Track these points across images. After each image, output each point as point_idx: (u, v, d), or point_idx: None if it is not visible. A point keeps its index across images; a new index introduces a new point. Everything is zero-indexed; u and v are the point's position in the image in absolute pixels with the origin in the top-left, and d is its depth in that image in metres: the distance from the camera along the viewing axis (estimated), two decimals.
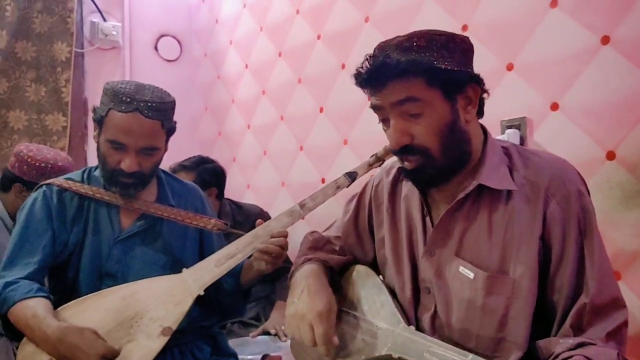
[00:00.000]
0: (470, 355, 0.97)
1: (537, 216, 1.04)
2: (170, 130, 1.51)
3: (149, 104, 1.42)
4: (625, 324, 1.01)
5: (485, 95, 1.12)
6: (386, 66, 1.03)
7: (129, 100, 1.41)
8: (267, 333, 2.21)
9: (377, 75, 1.05)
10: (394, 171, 1.28)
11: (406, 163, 1.10)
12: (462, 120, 1.07)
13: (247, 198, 3.18)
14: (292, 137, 2.92)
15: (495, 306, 1.05)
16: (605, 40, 1.66)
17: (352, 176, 1.42)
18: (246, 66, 3.27)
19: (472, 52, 1.11)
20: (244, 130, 3.28)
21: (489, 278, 1.05)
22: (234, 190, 3.32)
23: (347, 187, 1.43)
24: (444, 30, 1.08)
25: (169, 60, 3.74)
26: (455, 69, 1.03)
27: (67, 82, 3.30)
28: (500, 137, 1.86)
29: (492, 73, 1.93)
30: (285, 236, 1.40)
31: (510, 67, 1.91)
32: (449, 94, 1.05)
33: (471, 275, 1.07)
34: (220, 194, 2.54)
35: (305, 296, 1.15)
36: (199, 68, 3.71)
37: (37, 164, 2.08)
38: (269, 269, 1.42)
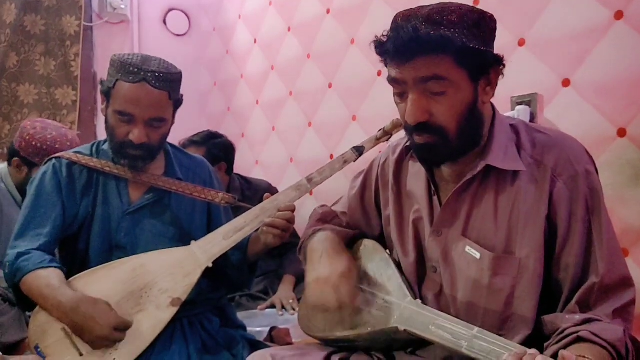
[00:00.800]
0: (476, 328, 0.97)
1: (543, 196, 1.03)
2: (177, 102, 1.51)
3: (157, 74, 1.42)
4: (632, 302, 1.00)
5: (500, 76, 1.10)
6: (417, 40, 0.98)
7: (136, 70, 1.41)
8: (275, 306, 2.24)
9: (405, 48, 1.00)
10: (400, 149, 1.26)
11: (417, 138, 1.07)
12: (480, 102, 1.05)
13: (256, 174, 3.19)
14: (301, 113, 2.91)
15: (502, 286, 1.05)
16: (619, 15, 1.64)
17: (359, 150, 1.42)
18: (255, 41, 3.25)
19: (496, 29, 1.08)
20: (252, 106, 3.27)
21: (495, 258, 1.05)
22: (242, 165, 3.32)
23: (355, 161, 1.43)
24: (469, 5, 1.05)
25: (177, 35, 3.73)
26: (484, 49, 1.01)
27: (76, 56, 3.31)
28: (510, 113, 1.85)
29: (504, 48, 1.88)
30: (293, 210, 1.41)
31: (521, 43, 1.89)
32: (475, 75, 1.02)
33: (477, 255, 1.06)
34: (229, 169, 2.55)
35: (325, 260, 1.16)
36: (208, 43, 3.69)
37: (34, 143, 2.09)
38: (276, 243, 1.43)
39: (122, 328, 1.31)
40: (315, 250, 1.22)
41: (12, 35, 3.17)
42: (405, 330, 1.05)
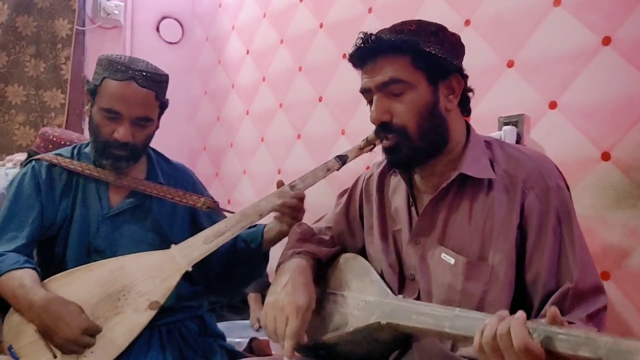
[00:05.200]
0: (457, 309, 0.98)
1: (514, 207, 1.07)
2: (163, 104, 1.51)
3: (144, 74, 1.43)
4: (604, 308, 1.04)
5: (470, 93, 1.18)
6: (376, 41, 1.11)
7: (124, 69, 1.42)
8: None
9: (367, 50, 1.13)
10: (383, 165, 1.31)
11: (385, 141, 1.16)
12: (442, 107, 1.13)
13: (243, 184, 3.19)
14: (290, 125, 2.92)
15: (474, 291, 1.07)
16: (607, 41, 1.67)
17: (342, 159, 1.42)
18: (247, 52, 3.26)
19: (462, 49, 1.17)
20: (242, 116, 3.27)
21: (468, 263, 1.08)
22: (230, 175, 3.32)
23: (337, 170, 1.44)
24: (444, 24, 1.14)
25: (170, 43, 3.73)
26: (441, 55, 1.10)
27: (67, 59, 3.29)
28: (497, 133, 1.87)
29: (492, 69, 1.94)
30: (302, 198, 1.44)
31: (510, 64, 1.91)
32: (433, 78, 1.11)
33: (452, 261, 1.10)
34: None
35: (289, 288, 1.17)
36: (200, 52, 3.70)
37: (63, 143, 2.14)
38: (289, 227, 1.45)
39: (92, 332, 1.29)
40: (283, 274, 1.22)
41: (3, 36, 3.15)
42: (387, 323, 1.06)
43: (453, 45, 1.14)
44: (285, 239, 1.44)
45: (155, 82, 1.45)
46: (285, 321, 1.11)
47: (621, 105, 1.63)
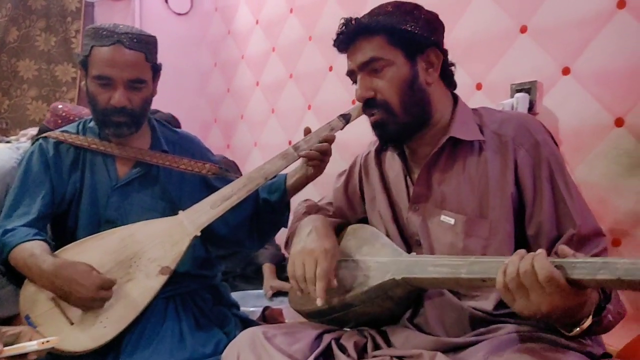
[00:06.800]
0: (473, 257, 1.01)
1: (508, 164, 1.13)
2: (155, 66, 1.51)
3: (130, 36, 1.44)
4: (606, 250, 1.10)
5: (452, 67, 1.23)
6: (355, 25, 1.19)
7: (109, 34, 1.44)
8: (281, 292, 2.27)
9: (346, 34, 1.20)
10: (378, 141, 1.35)
11: (371, 117, 1.22)
12: (422, 81, 1.18)
13: (254, 156, 3.20)
14: (300, 96, 2.90)
15: (474, 247, 1.12)
16: (621, 4, 1.63)
17: (346, 118, 1.42)
18: (257, 22, 3.23)
19: (440, 25, 1.23)
20: (252, 87, 3.26)
21: (468, 221, 1.13)
22: (241, 147, 3.33)
23: (342, 129, 1.43)
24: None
25: (179, 14, 3.70)
26: (416, 31, 1.16)
27: (77, 32, 3.30)
28: (509, 100, 1.85)
29: (505, 35, 1.91)
30: (331, 141, 1.42)
31: (523, 30, 1.88)
32: (410, 54, 1.17)
33: (452, 221, 1.15)
34: None
35: (313, 235, 1.22)
36: (210, 22, 3.67)
37: (72, 118, 2.13)
38: (315, 174, 1.47)
39: (107, 286, 1.32)
40: (305, 226, 1.27)
41: (13, 10, 3.16)
42: (402, 278, 1.08)
43: (429, 22, 1.19)
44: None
45: (142, 43, 1.46)
46: (314, 264, 1.15)
47: (636, 70, 1.60)
